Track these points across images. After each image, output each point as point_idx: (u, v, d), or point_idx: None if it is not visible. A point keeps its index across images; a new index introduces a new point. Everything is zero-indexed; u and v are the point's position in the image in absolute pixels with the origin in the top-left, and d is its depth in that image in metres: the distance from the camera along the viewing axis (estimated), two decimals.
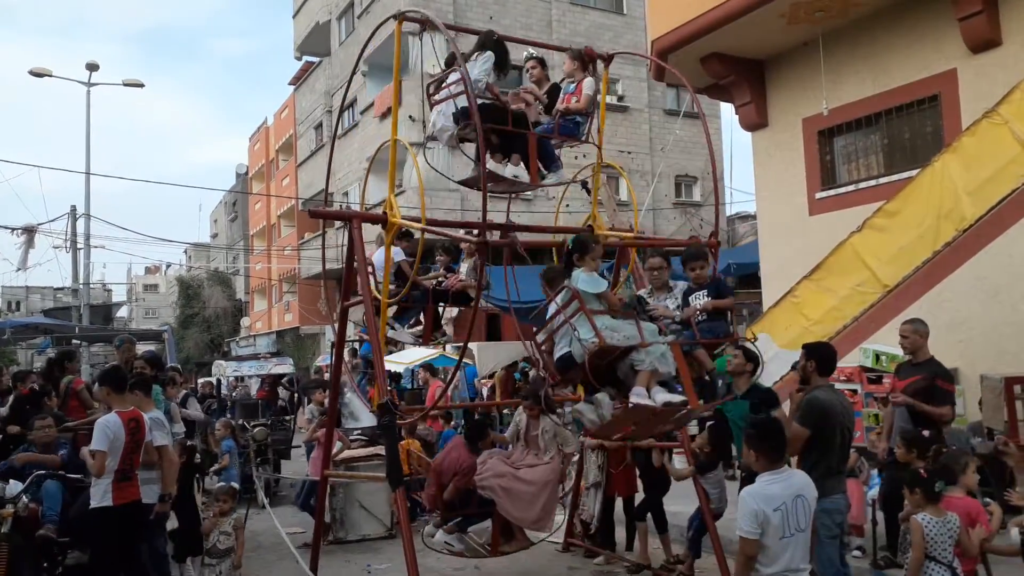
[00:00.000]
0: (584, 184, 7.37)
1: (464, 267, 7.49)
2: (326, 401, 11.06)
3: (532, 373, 10.67)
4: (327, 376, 12.24)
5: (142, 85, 23.99)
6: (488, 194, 6.62)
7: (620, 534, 7.88)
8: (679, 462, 7.36)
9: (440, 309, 7.40)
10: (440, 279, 7.34)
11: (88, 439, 5.73)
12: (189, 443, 7.56)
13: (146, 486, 5.82)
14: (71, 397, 8.19)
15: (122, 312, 60.41)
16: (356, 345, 12.32)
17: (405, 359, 14.63)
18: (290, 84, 35.69)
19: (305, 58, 33.28)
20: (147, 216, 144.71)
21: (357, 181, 25.21)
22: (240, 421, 12.43)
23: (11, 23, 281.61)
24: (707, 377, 6.18)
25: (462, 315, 8.14)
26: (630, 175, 7.52)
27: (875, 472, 6.99)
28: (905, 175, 9.34)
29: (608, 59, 6.97)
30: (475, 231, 5.68)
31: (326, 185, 8.50)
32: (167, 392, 7.91)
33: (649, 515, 7.30)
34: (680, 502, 7.34)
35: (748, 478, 5.42)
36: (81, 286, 23.73)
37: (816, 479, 4.28)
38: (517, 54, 6.89)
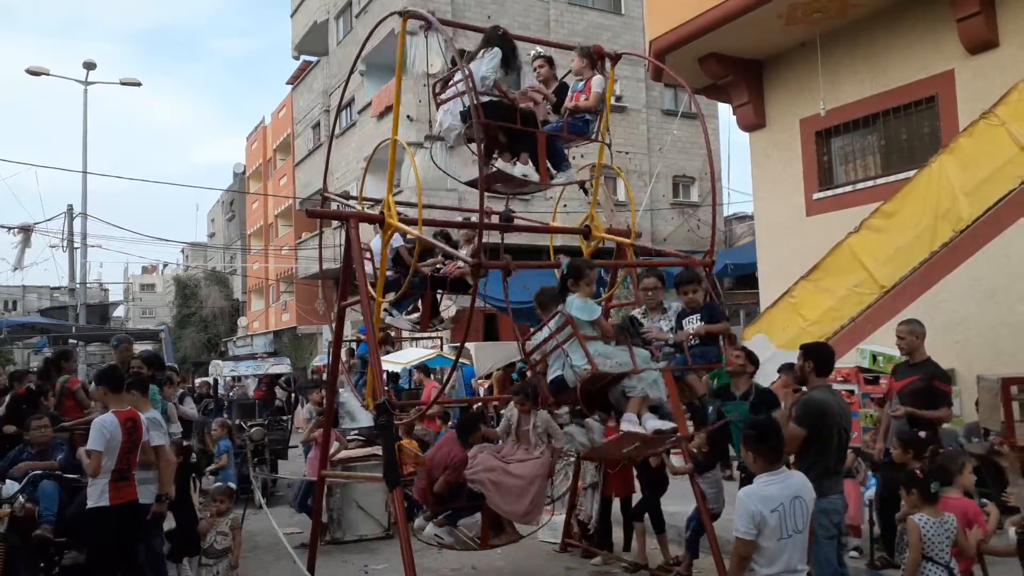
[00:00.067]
0: (582, 184, 7.36)
1: (462, 253, 7.45)
2: (323, 401, 11.09)
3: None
4: (324, 376, 12.23)
5: (139, 84, 23.97)
6: (498, 194, 6.62)
7: (617, 534, 7.88)
8: (676, 462, 7.35)
9: (438, 296, 7.35)
10: (438, 265, 7.31)
11: (85, 439, 5.72)
12: (185, 443, 7.55)
13: (143, 486, 5.81)
14: (67, 397, 8.17)
15: (119, 312, 60.36)
16: (353, 345, 12.32)
17: (402, 359, 14.63)
18: (288, 83, 35.67)
19: (303, 57, 33.25)
20: (144, 215, 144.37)
21: (355, 180, 25.18)
22: (237, 421, 12.41)
23: (10, 23, 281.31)
24: (697, 402, 6.16)
25: (460, 315, 8.13)
26: (628, 175, 7.52)
27: (870, 473, 7.00)
28: (902, 176, 9.37)
29: (616, 58, 6.90)
30: (472, 234, 5.65)
31: (324, 185, 8.49)
32: (164, 392, 7.90)
33: (647, 515, 7.30)
34: (678, 502, 7.33)
35: (747, 479, 5.43)
36: (78, 285, 23.68)
37: (813, 479, 4.28)
38: (522, 53, 6.82)
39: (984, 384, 7.80)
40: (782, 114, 11.89)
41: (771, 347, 7.78)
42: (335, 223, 17.75)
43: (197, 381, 20.55)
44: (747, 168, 12.90)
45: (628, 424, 5.33)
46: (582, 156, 7.71)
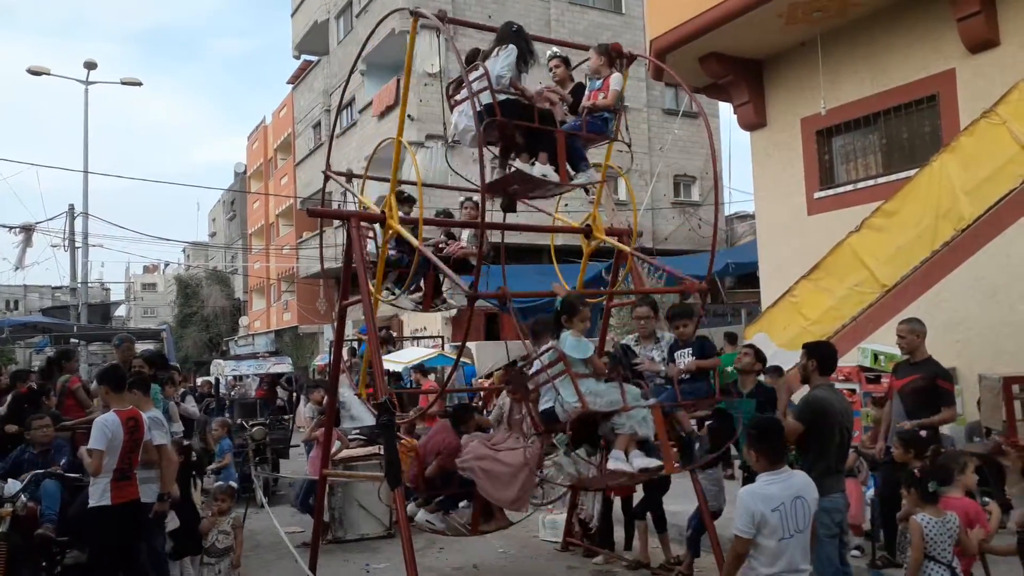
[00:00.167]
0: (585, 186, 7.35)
1: (465, 234, 7.43)
2: (323, 400, 11.10)
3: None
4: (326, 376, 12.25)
5: (140, 84, 23.98)
6: (519, 198, 6.52)
7: (619, 533, 7.89)
8: None
9: (440, 276, 7.30)
10: (440, 245, 7.29)
11: (86, 438, 5.73)
12: (185, 442, 7.56)
13: (145, 485, 5.81)
14: (67, 396, 8.19)
15: (120, 311, 60.40)
16: (355, 344, 12.33)
17: (404, 358, 14.64)
18: (288, 83, 35.68)
19: (303, 57, 33.26)
20: (145, 215, 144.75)
21: (355, 180, 25.21)
22: (239, 420, 12.43)
23: (11, 23, 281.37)
24: (683, 434, 6.17)
25: (460, 314, 8.14)
26: (628, 175, 7.54)
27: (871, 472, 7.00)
28: (903, 175, 9.37)
29: (631, 59, 6.83)
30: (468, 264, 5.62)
31: (323, 184, 8.50)
32: (165, 391, 7.91)
33: (648, 514, 7.31)
34: (679, 501, 7.34)
35: (749, 478, 5.44)
36: (79, 285, 23.71)
37: (815, 478, 4.29)
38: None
39: (985, 383, 7.81)
40: (783, 113, 11.90)
41: (772, 346, 7.79)
42: (336, 222, 17.77)
43: (199, 380, 20.57)
44: (748, 167, 12.89)
45: (616, 461, 5.44)
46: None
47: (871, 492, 6.84)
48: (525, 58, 5.93)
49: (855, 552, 6.68)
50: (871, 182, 10.65)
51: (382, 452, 6.30)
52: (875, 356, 8.87)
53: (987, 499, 5.76)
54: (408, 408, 10.48)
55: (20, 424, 7.29)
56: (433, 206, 9.03)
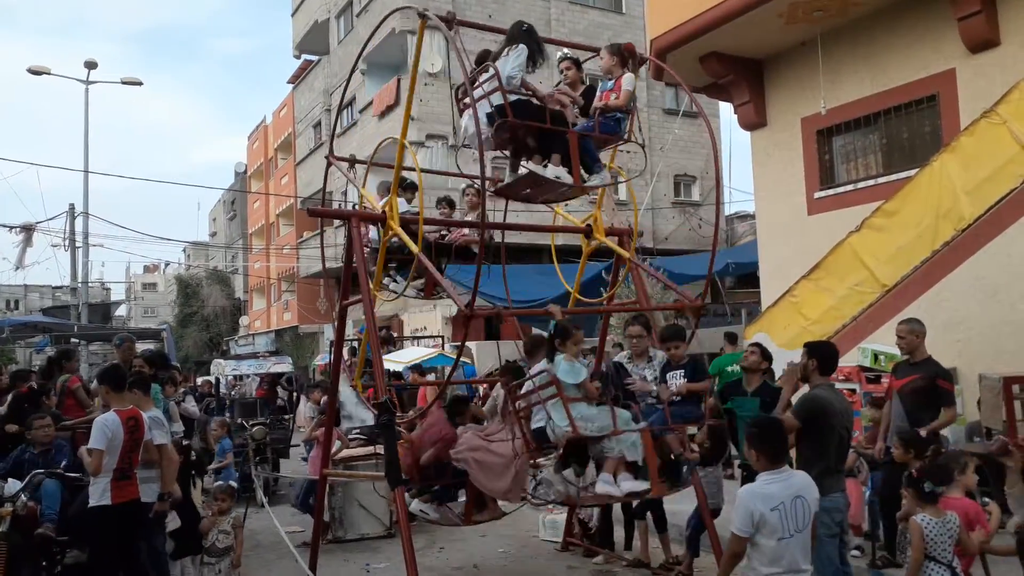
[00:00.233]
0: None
1: (468, 218, 7.40)
2: (322, 400, 11.10)
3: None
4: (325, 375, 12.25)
5: (140, 83, 23.98)
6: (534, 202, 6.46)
7: (619, 533, 7.90)
8: None
9: (442, 264, 7.26)
10: (443, 232, 7.29)
11: (86, 438, 5.73)
12: (185, 442, 7.56)
13: (145, 485, 5.82)
14: (67, 396, 8.19)
15: (121, 311, 60.41)
16: (355, 344, 12.33)
17: (404, 358, 14.64)
18: (289, 83, 35.70)
19: (304, 57, 33.28)
20: (146, 214, 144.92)
21: (358, 172, 25.22)
22: (239, 420, 12.44)
23: (11, 22, 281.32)
24: (672, 457, 6.21)
25: (459, 314, 8.16)
26: (628, 174, 7.51)
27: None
28: (904, 175, 9.35)
29: (642, 61, 6.76)
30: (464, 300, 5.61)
31: (324, 184, 8.50)
32: (165, 391, 7.92)
33: (648, 514, 7.31)
34: (679, 501, 7.34)
35: (748, 477, 5.45)
36: (80, 285, 23.72)
37: (814, 478, 4.29)
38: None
39: (986, 383, 7.80)
40: (783, 113, 11.88)
41: (772, 346, 7.77)
42: (337, 222, 17.77)
43: (199, 380, 20.58)
44: (748, 167, 12.89)
45: (604, 485, 5.57)
46: None
47: (868, 492, 6.85)
48: (535, 58, 5.84)
49: (855, 552, 6.68)
50: (871, 182, 10.64)
51: (382, 452, 6.33)
52: (875, 356, 8.87)
53: (987, 499, 5.76)
54: (408, 408, 10.50)
55: (20, 424, 7.30)
56: (435, 192, 9.02)
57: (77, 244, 23.26)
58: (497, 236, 7.96)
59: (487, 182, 5.94)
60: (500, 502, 6.43)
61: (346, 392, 9.37)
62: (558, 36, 23.30)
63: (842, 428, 4.97)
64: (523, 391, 5.67)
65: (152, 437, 5.89)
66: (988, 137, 7.05)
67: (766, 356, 6.67)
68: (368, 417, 8.21)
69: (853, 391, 8.70)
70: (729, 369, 10.14)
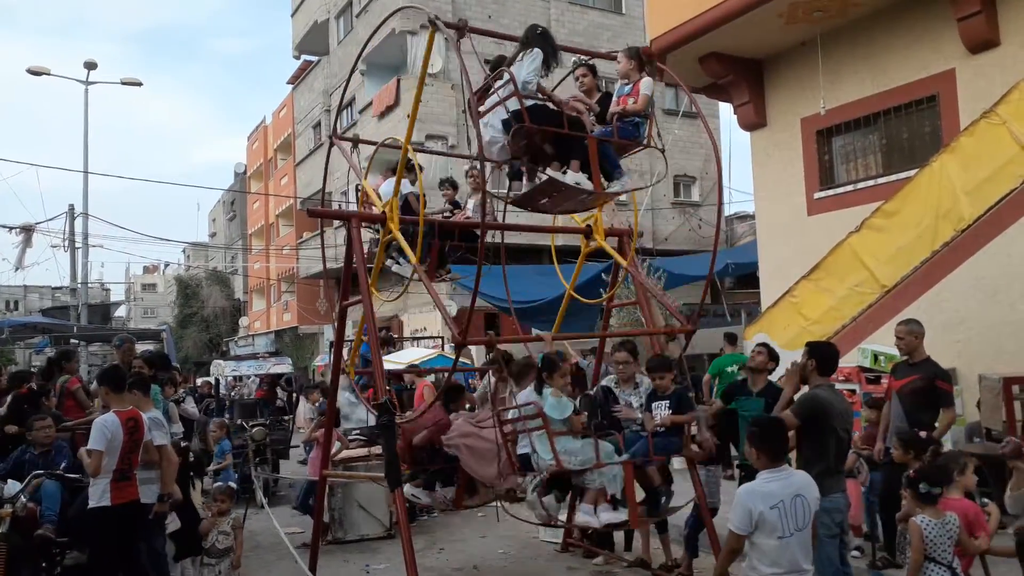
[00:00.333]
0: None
1: (471, 203, 7.37)
2: (320, 401, 11.11)
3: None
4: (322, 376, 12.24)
5: (140, 84, 23.97)
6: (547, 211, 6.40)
7: (619, 534, 7.88)
8: (678, 463, 7.37)
9: (445, 247, 7.21)
10: (446, 214, 7.26)
11: (86, 439, 5.73)
12: (183, 444, 7.56)
13: (145, 486, 5.81)
14: (67, 397, 8.19)
15: (120, 311, 60.41)
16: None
17: (404, 359, 14.63)
18: (288, 83, 35.70)
19: (303, 57, 33.28)
20: (145, 215, 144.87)
21: (356, 180, 25.24)
22: (239, 421, 12.44)
23: (11, 23, 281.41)
24: (654, 487, 6.28)
25: (460, 314, 8.17)
26: (628, 174, 7.49)
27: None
28: (903, 175, 9.36)
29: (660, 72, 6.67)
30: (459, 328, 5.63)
31: (323, 185, 8.50)
32: (164, 392, 7.91)
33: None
34: (679, 501, 7.34)
35: (747, 477, 5.45)
36: (79, 285, 23.70)
37: (814, 478, 4.30)
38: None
39: (986, 383, 7.80)
40: (783, 113, 11.89)
41: (772, 347, 7.79)
42: (336, 223, 17.77)
43: (199, 381, 20.58)
44: (748, 167, 12.88)
45: (584, 515, 5.76)
46: None
47: (864, 491, 6.85)
48: (549, 62, 5.74)
49: (855, 553, 6.68)
50: (871, 182, 10.65)
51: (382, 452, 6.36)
52: (875, 357, 8.87)
53: (986, 500, 5.75)
54: (407, 408, 10.49)
55: (20, 425, 7.30)
56: (436, 192, 9.02)
57: (77, 245, 23.25)
58: (497, 236, 7.97)
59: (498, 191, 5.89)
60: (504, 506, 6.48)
61: (345, 394, 9.40)
62: (558, 36, 23.26)
63: (842, 429, 4.97)
64: (510, 416, 5.80)
65: (152, 438, 5.89)
66: (988, 137, 7.05)
67: (773, 356, 6.67)
68: (368, 418, 8.23)
69: (853, 392, 8.70)
70: (729, 370, 10.15)
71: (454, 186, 7.87)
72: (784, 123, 11.85)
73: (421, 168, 6.74)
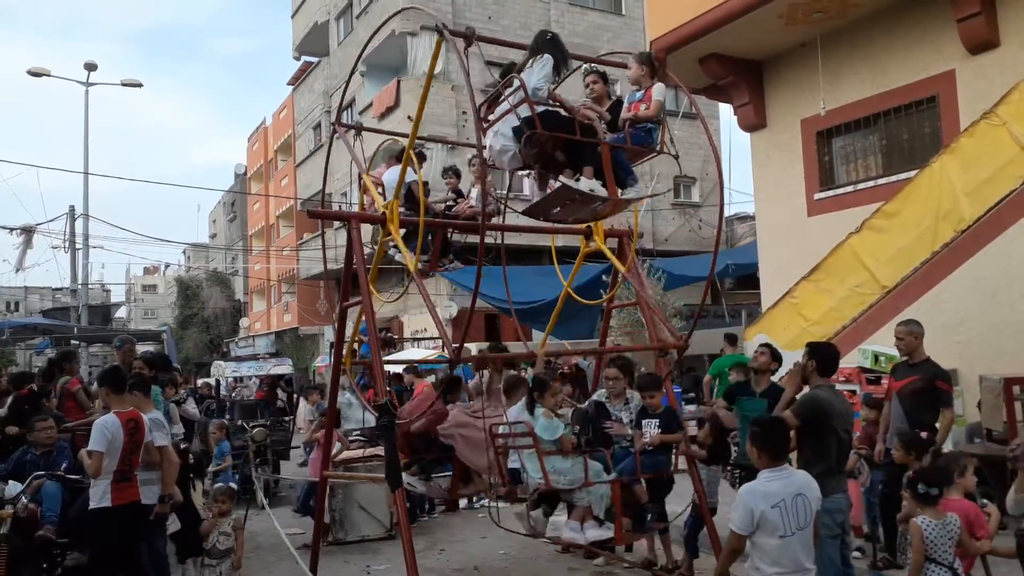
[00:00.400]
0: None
1: (474, 192, 7.36)
2: (319, 402, 11.11)
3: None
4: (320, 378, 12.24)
5: (140, 85, 23.97)
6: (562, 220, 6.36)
7: None
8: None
9: (449, 234, 7.20)
10: (449, 203, 7.26)
11: (87, 440, 5.73)
12: (183, 446, 7.56)
13: (146, 487, 5.82)
14: (67, 398, 8.19)
15: (121, 312, 60.43)
16: (355, 346, 12.32)
17: (405, 359, 14.64)
18: (289, 84, 35.72)
19: (304, 58, 33.31)
20: (146, 216, 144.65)
21: (356, 181, 25.24)
22: (239, 422, 12.43)
23: (11, 23, 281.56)
24: (640, 504, 6.36)
25: (460, 315, 8.21)
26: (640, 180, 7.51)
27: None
28: (904, 176, 9.36)
29: (668, 76, 6.58)
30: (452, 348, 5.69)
31: (323, 186, 8.51)
32: (165, 393, 7.91)
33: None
34: (679, 502, 7.34)
35: (746, 477, 5.44)
36: (80, 286, 23.70)
37: (815, 478, 4.30)
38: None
39: (986, 384, 7.80)
40: (783, 114, 11.90)
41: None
42: (337, 223, 17.75)
43: (199, 382, 20.57)
44: (748, 168, 12.89)
45: (570, 532, 5.90)
46: None
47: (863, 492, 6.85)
48: (560, 68, 5.65)
49: (856, 553, 6.68)
50: (871, 183, 10.65)
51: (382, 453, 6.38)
52: (876, 357, 8.87)
53: (985, 501, 5.75)
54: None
55: (21, 426, 7.30)
56: (439, 193, 9.04)
57: (77, 246, 23.25)
58: (499, 237, 7.96)
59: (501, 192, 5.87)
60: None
61: (345, 394, 9.40)
62: None
63: (842, 429, 4.97)
64: (500, 431, 5.88)
65: (153, 439, 5.89)
66: (988, 138, 7.06)
67: (776, 357, 6.67)
68: (368, 419, 8.23)
69: (854, 392, 8.70)
70: (727, 373, 10.14)
71: (457, 174, 7.86)
72: (784, 124, 11.86)
73: (425, 157, 6.76)
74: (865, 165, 11.16)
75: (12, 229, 22.06)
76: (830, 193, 11.26)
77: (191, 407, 10.58)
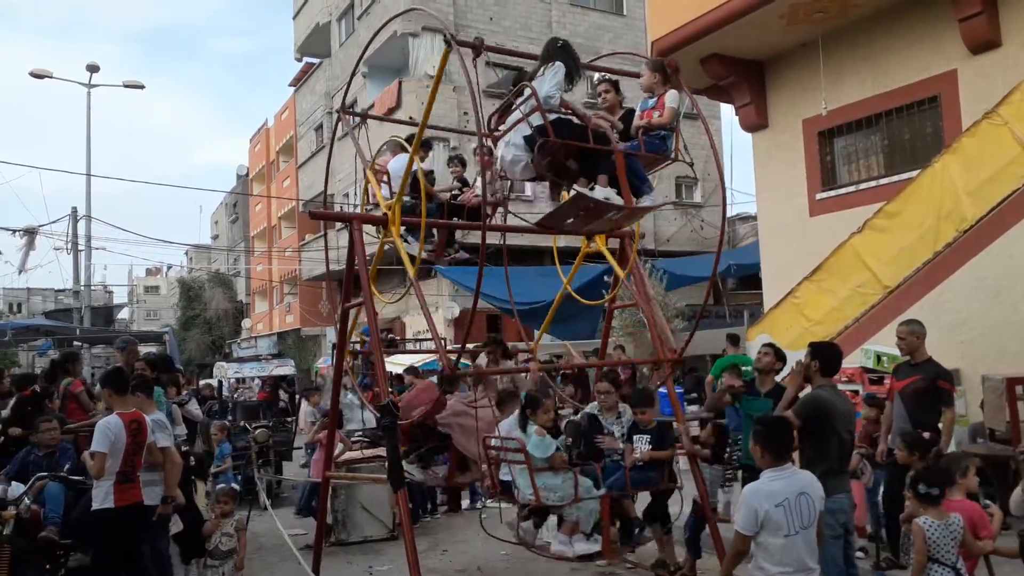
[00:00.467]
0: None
1: (479, 181, 7.36)
2: (321, 403, 11.12)
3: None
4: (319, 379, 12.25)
5: (142, 86, 23.99)
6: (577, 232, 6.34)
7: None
8: (682, 463, 7.37)
9: (454, 221, 7.15)
10: (455, 192, 7.24)
11: (89, 441, 5.74)
12: (184, 448, 7.56)
13: (148, 488, 5.82)
14: (70, 399, 8.20)
15: (123, 314, 60.43)
16: (357, 347, 12.32)
17: (407, 360, 14.63)
18: (290, 85, 35.75)
19: (305, 59, 33.34)
20: (148, 217, 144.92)
21: (357, 182, 25.24)
22: (241, 423, 12.44)
23: (11, 23, 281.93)
24: (629, 518, 6.41)
25: (462, 316, 8.24)
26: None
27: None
28: (905, 176, 9.36)
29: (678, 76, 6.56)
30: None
31: (324, 187, 8.52)
32: (168, 394, 7.92)
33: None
34: (675, 503, 7.34)
35: (749, 478, 5.45)
36: (82, 288, 23.72)
37: (818, 478, 4.30)
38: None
39: (989, 384, 7.81)
40: (784, 115, 11.90)
41: None
42: (339, 224, 17.81)
43: (201, 383, 20.59)
44: (750, 168, 12.89)
45: (559, 545, 6.01)
46: None
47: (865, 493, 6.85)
48: (571, 75, 5.56)
49: (859, 554, 6.67)
50: (873, 183, 10.65)
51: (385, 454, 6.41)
52: (878, 357, 8.87)
53: (988, 501, 5.75)
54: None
55: (24, 427, 7.31)
56: (440, 159, 9.06)
57: (79, 247, 23.28)
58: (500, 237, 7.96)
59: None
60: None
61: (348, 395, 9.41)
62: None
63: (844, 430, 4.97)
64: (492, 444, 5.95)
65: (155, 440, 5.90)
66: (990, 138, 7.06)
67: (780, 357, 6.67)
68: (370, 419, 8.24)
69: (856, 392, 8.69)
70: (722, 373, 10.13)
71: (463, 163, 7.83)
72: (786, 124, 11.86)
73: (431, 146, 6.78)
74: (867, 165, 11.16)
75: (15, 231, 22.08)
76: (832, 193, 11.26)
77: (194, 408, 10.58)
